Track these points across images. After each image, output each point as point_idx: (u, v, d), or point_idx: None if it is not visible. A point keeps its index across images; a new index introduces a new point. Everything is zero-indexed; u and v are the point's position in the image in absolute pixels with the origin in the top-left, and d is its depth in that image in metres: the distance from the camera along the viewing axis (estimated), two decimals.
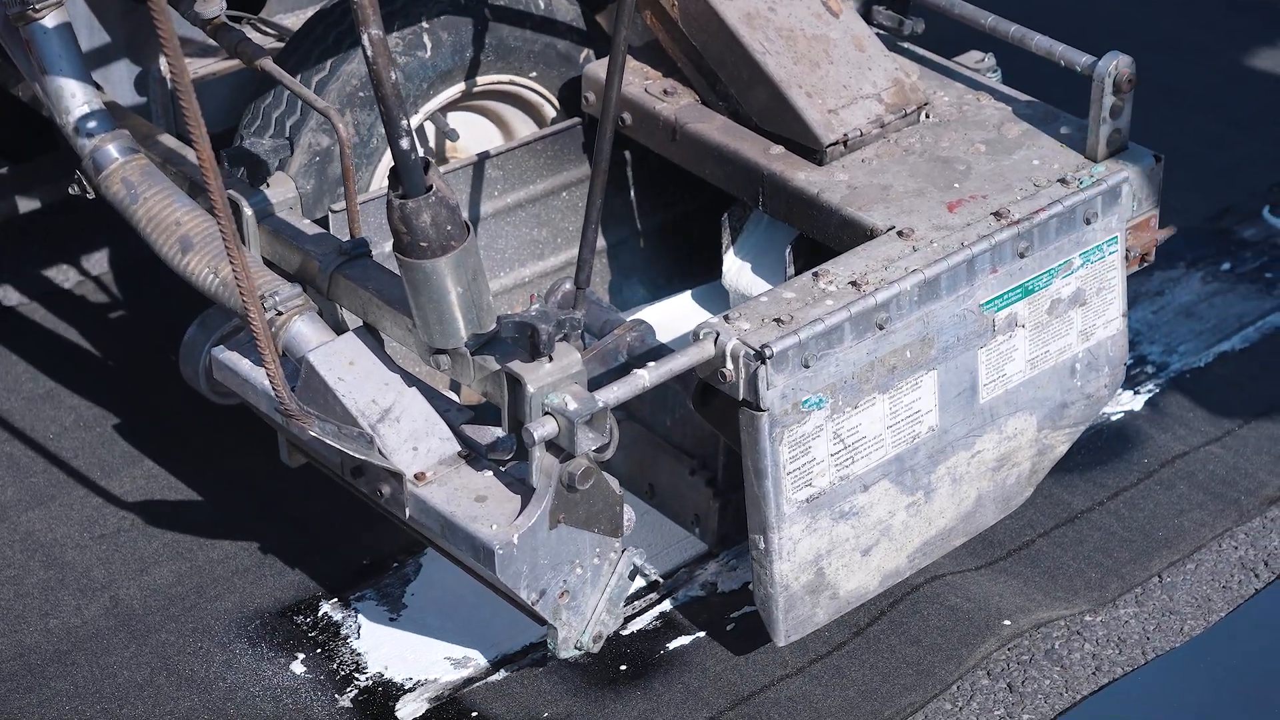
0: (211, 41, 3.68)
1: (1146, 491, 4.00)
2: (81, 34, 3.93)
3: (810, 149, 3.65)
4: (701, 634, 3.70)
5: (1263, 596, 3.78)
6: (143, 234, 3.47)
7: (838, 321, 3.28)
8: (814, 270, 3.39)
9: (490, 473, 3.24)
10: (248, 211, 3.53)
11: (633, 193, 4.07)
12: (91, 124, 3.52)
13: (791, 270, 3.69)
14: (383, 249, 3.61)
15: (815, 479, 3.35)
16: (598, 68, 3.87)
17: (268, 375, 3.10)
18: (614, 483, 3.21)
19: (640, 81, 3.85)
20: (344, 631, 3.72)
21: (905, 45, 3.94)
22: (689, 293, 4.07)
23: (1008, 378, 3.53)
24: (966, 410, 3.50)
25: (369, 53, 2.95)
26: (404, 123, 2.99)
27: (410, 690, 3.60)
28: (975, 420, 3.52)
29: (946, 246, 3.42)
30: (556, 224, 4.00)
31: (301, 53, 3.82)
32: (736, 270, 3.83)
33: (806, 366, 3.27)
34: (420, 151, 3.03)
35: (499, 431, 3.26)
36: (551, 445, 3.12)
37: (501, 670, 3.63)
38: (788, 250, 3.69)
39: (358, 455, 3.22)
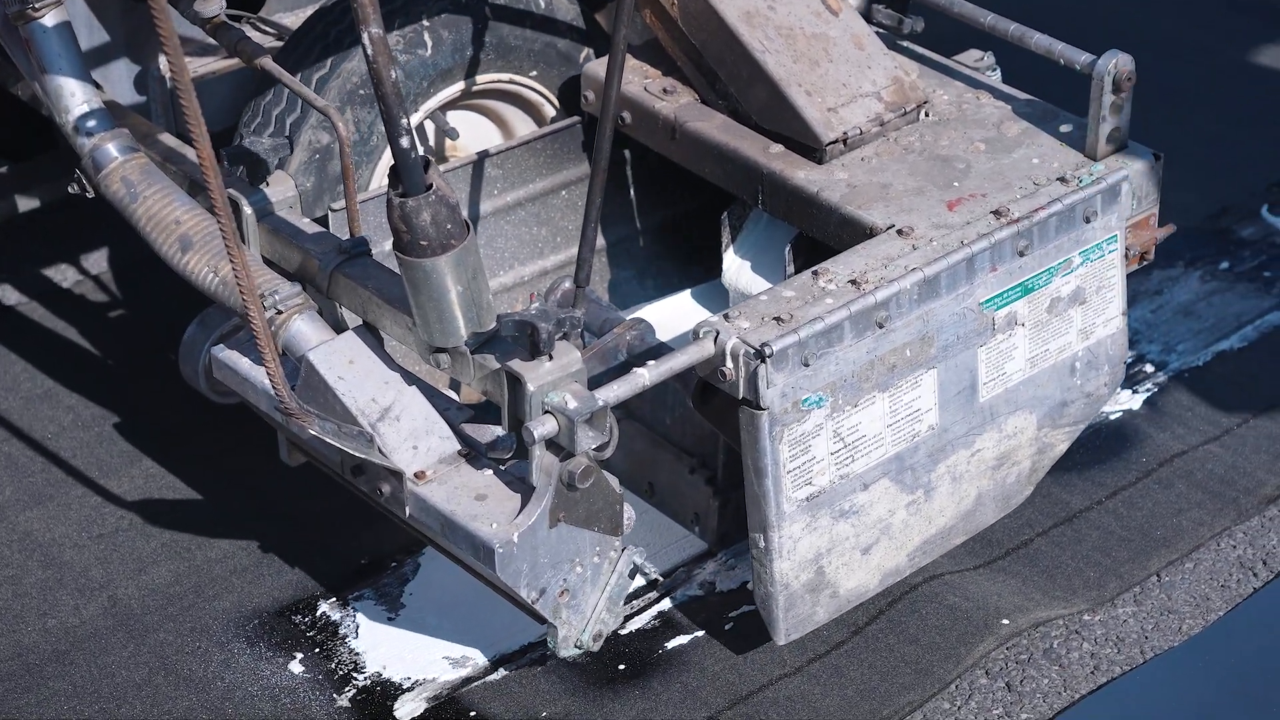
0: (211, 40, 3.67)
1: (1145, 491, 4.00)
2: (81, 33, 3.92)
3: (810, 147, 3.65)
4: (700, 633, 3.70)
5: (1261, 596, 3.78)
6: (142, 233, 3.47)
7: (837, 320, 3.28)
8: (814, 269, 3.39)
9: (490, 471, 3.24)
10: (247, 210, 3.53)
11: (632, 191, 4.07)
12: (91, 123, 3.52)
13: (791, 269, 3.69)
14: (382, 247, 3.61)
15: (815, 477, 3.35)
16: (597, 66, 3.87)
17: (268, 374, 3.10)
18: (614, 481, 3.21)
19: (640, 80, 3.85)
20: (342, 631, 3.71)
21: (904, 44, 3.94)
22: (689, 291, 4.07)
23: (1007, 376, 3.53)
24: (966, 409, 3.50)
25: (369, 51, 2.95)
26: (404, 121, 2.99)
27: (408, 690, 3.60)
28: (975, 419, 3.52)
29: (946, 245, 3.42)
30: (556, 223, 4.00)
31: (302, 50, 3.82)
32: (736, 269, 3.83)
33: (806, 365, 3.27)
34: (420, 150, 3.03)
35: (499, 430, 3.25)
36: (551, 444, 3.12)
37: (500, 670, 3.63)
38: (787, 249, 3.69)
39: (358, 454, 3.22)
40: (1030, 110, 3.76)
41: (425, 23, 3.83)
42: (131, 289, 4.51)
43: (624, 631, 3.69)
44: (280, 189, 3.57)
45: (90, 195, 3.56)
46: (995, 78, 3.89)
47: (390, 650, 3.67)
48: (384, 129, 3.08)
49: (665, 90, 3.83)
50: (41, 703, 3.58)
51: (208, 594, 3.78)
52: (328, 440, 3.21)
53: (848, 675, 3.60)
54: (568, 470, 3.13)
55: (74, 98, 3.52)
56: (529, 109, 4.06)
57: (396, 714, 3.55)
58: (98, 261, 4.57)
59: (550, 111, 4.04)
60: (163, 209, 3.45)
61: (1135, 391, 4.24)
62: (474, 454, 3.27)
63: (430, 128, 3.98)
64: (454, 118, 4.00)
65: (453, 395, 3.53)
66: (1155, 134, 4.07)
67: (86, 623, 3.73)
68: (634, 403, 3.40)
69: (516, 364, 3.12)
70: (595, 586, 3.26)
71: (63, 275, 4.54)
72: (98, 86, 3.61)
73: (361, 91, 3.79)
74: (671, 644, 3.68)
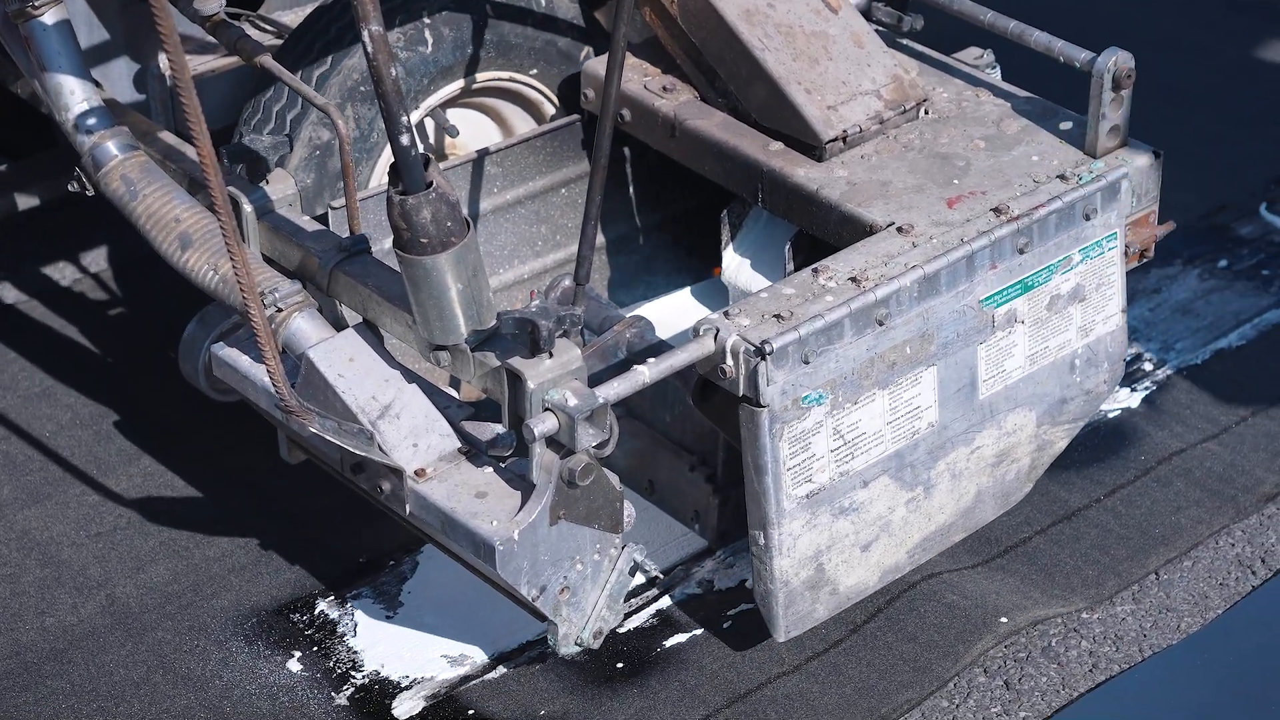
0: (211, 38, 3.67)
1: (1143, 489, 4.00)
2: (81, 31, 3.93)
3: (809, 145, 3.65)
4: (698, 631, 3.69)
5: (1260, 594, 3.78)
6: (142, 231, 3.47)
7: (837, 317, 3.28)
8: (814, 266, 3.39)
9: (490, 469, 3.24)
10: (247, 208, 3.53)
11: (632, 189, 4.07)
12: (91, 120, 3.52)
13: (791, 266, 3.69)
14: (382, 245, 3.62)
15: (815, 475, 3.35)
16: (597, 64, 3.87)
17: (268, 372, 3.10)
18: (614, 479, 3.21)
19: (639, 78, 3.85)
20: (340, 629, 3.71)
21: (904, 41, 3.94)
22: (688, 289, 4.07)
23: (1007, 373, 3.53)
24: (966, 406, 3.50)
25: (369, 49, 2.95)
26: (404, 119, 2.99)
27: (407, 688, 3.60)
28: (975, 416, 3.52)
29: (946, 242, 3.43)
30: (556, 221, 4.00)
31: (302, 47, 3.82)
32: (736, 266, 3.83)
33: (806, 362, 3.27)
34: (420, 147, 3.03)
35: (499, 428, 3.25)
36: (552, 441, 3.12)
37: (498, 668, 3.63)
38: (787, 246, 3.69)
39: (358, 452, 3.22)
40: (1030, 108, 3.76)
41: (426, 20, 3.83)
42: (131, 287, 4.51)
43: (622, 630, 3.69)
44: (280, 187, 3.57)
45: (90, 193, 3.55)
46: (995, 75, 3.90)
47: (388, 649, 3.67)
48: (384, 126, 3.08)
49: (665, 88, 3.83)
50: (39, 701, 3.58)
51: (206, 592, 3.78)
52: (328, 438, 3.21)
53: (846, 673, 3.60)
54: (568, 468, 3.13)
55: (74, 95, 3.52)
56: (529, 107, 4.06)
57: (394, 712, 3.55)
58: (97, 259, 4.57)
59: (550, 109, 4.04)
60: (162, 207, 3.45)
61: (1134, 390, 4.24)
62: (474, 451, 3.27)
63: (430, 125, 3.98)
64: (454, 115, 4.00)
65: (453, 393, 3.53)
66: (1154, 132, 4.07)
67: (84, 621, 3.73)
68: (634, 400, 3.40)
69: (517, 361, 3.12)
70: (595, 584, 3.26)
71: (62, 273, 4.54)
72: (97, 84, 3.61)
73: (362, 88, 3.79)
74: (670, 642, 3.68)
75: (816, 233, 3.61)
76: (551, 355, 3.12)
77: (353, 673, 3.63)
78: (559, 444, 3.12)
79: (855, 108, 3.67)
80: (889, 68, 3.74)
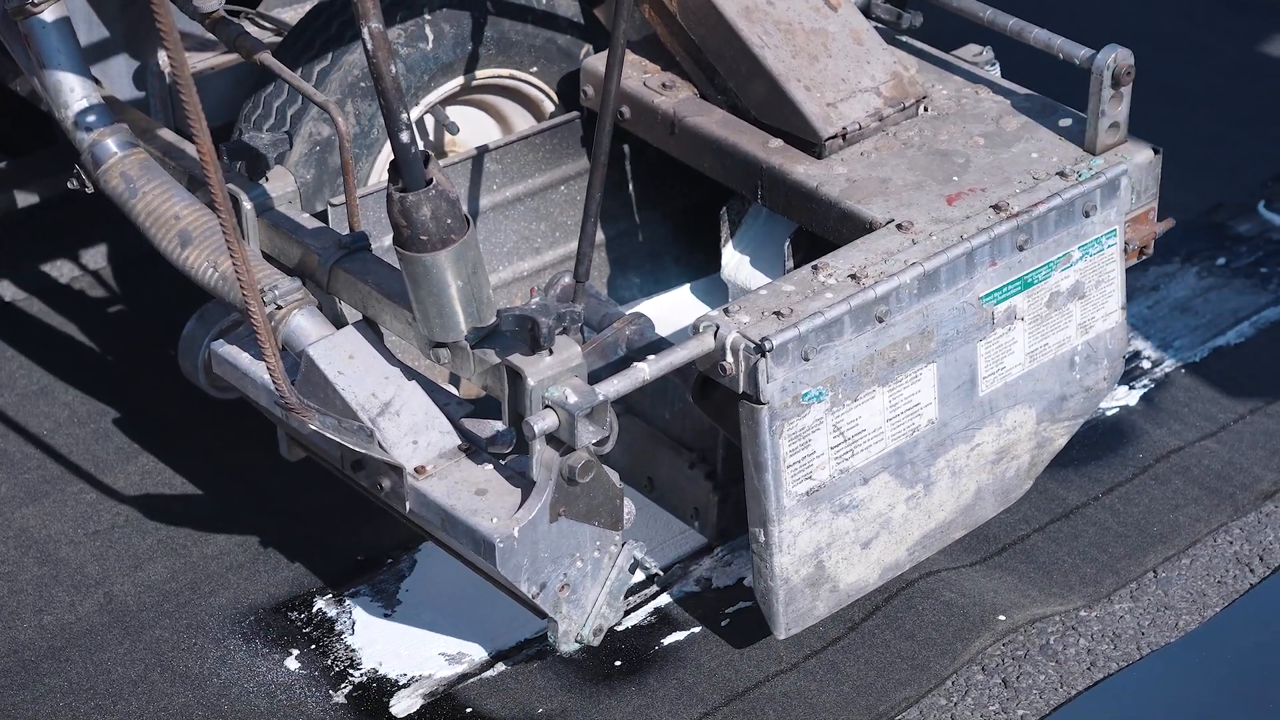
0: (210, 35, 3.67)
1: (1141, 487, 4.00)
2: (80, 28, 3.92)
3: (809, 142, 3.65)
4: (696, 629, 3.69)
5: (1258, 591, 3.78)
6: (142, 228, 3.47)
7: (837, 314, 3.28)
8: (813, 263, 3.39)
9: (490, 466, 3.24)
10: (247, 205, 3.53)
11: (631, 186, 4.07)
12: (90, 118, 3.51)
13: (790, 263, 3.69)
14: (382, 242, 3.61)
15: (815, 472, 3.35)
16: (596, 61, 3.87)
17: (268, 369, 3.10)
18: (614, 476, 3.21)
19: (639, 75, 3.85)
20: (338, 627, 3.71)
21: (903, 38, 3.94)
22: (688, 286, 4.07)
23: (1007, 370, 3.53)
24: (966, 403, 3.50)
25: (369, 46, 2.95)
26: (404, 116, 2.99)
27: (405, 686, 3.60)
28: (974, 413, 3.52)
29: (946, 239, 3.43)
30: (555, 218, 4.00)
31: (302, 44, 3.82)
32: (735, 264, 3.83)
33: (806, 359, 3.27)
34: (420, 145, 3.03)
35: (499, 425, 3.25)
36: (552, 438, 3.12)
37: (496, 666, 3.63)
38: (787, 243, 3.69)
39: (358, 449, 3.22)
40: (1029, 105, 3.76)
41: (426, 17, 3.83)
42: (130, 284, 4.51)
43: (620, 628, 3.68)
44: (280, 184, 3.57)
45: (89, 190, 3.55)
46: (994, 72, 3.90)
47: (386, 646, 3.67)
48: (384, 123, 3.08)
49: (664, 85, 3.83)
50: (37, 699, 3.57)
51: (204, 590, 3.78)
52: (328, 435, 3.21)
53: (844, 671, 3.60)
54: (568, 465, 3.12)
55: (73, 93, 3.52)
56: (528, 104, 4.06)
57: (393, 710, 3.55)
58: (96, 257, 4.57)
59: (549, 107, 4.04)
60: (162, 204, 3.44)
61: (1132, 387, 4.24)
62: (474, 449, 3.27)
63: (430, 122, 3.98)
64: (454, 112, 4.00)
65: (453, 390, 3.53)
66: (1154, 130, 4.07)
67: (82, 619, 3.72)
68: (634, 397, 3.39)
69: (516, 359, 3.12)
70: (595, 581, 3.26)
71: (61, 270, 4.54)
72: (97, 82, 3.61)
73: (363, 84, 3.79)
74: (668, 640, 3.68)
75: (816, 230, 3.61)
76: (551, 352, 3.12)
77: (351, 670, 3.62)
78: (559, 441, 3.12)
79: (855, 105, 3.67)
80: (888, 65, 3.74)
